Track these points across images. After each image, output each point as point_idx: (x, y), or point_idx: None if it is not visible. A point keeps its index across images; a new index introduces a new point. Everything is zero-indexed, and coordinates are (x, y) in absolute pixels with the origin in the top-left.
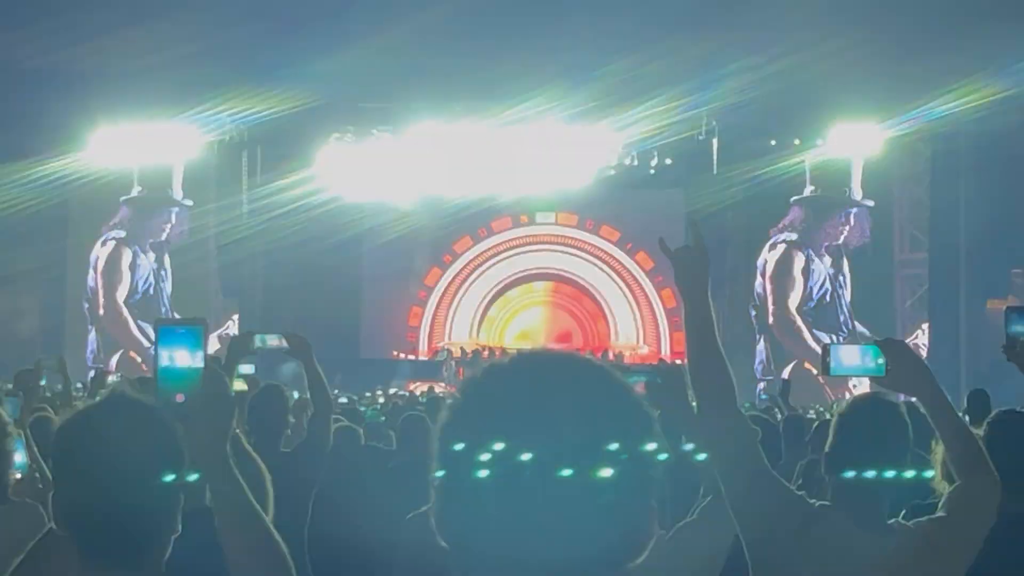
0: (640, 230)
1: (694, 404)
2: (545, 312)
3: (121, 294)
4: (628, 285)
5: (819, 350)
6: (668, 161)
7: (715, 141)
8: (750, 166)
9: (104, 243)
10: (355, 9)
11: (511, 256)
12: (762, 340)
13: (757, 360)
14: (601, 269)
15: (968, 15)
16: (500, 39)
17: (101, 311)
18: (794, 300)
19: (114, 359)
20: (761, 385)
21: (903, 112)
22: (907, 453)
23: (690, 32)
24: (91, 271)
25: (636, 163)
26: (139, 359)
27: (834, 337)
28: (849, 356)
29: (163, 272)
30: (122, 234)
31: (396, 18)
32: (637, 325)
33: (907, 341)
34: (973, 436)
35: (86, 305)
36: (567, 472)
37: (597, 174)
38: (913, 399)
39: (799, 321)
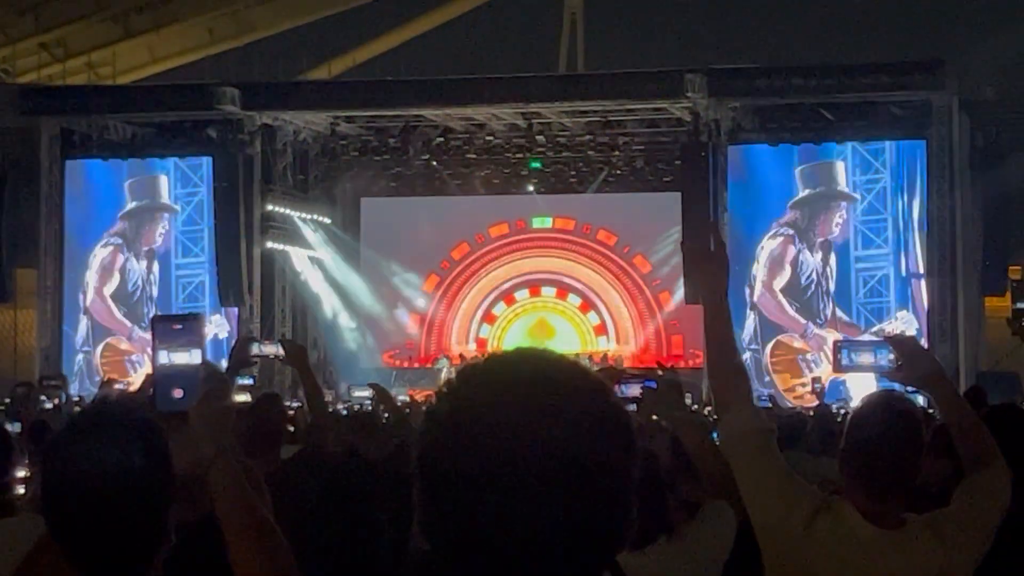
0: (638, 233)
1: (699, 407)
2: (544, 317)
3: (109, 289)
4: (626, 288)
5: (800, 323)
6: (665, 165)
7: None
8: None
9: (104, 245)
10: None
11: (509, 261)
12: (752, 315)
13: (746, 332)
14: (599, 273)
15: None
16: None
17: (90, 302)
18: (779, 283)
19: (100, 346)
20: (747, 355)
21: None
22: (920, 451)
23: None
24: (88, 268)
25: (634, 166)
26: (123, 345)
27: (813, 323)
28: (860, 353)
29: (152, 277)
30: (119, 241)
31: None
32: (635, 328)
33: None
34: (984, 428)
35: (80, 296)
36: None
37: (594, 177)
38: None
39: (784, 302)
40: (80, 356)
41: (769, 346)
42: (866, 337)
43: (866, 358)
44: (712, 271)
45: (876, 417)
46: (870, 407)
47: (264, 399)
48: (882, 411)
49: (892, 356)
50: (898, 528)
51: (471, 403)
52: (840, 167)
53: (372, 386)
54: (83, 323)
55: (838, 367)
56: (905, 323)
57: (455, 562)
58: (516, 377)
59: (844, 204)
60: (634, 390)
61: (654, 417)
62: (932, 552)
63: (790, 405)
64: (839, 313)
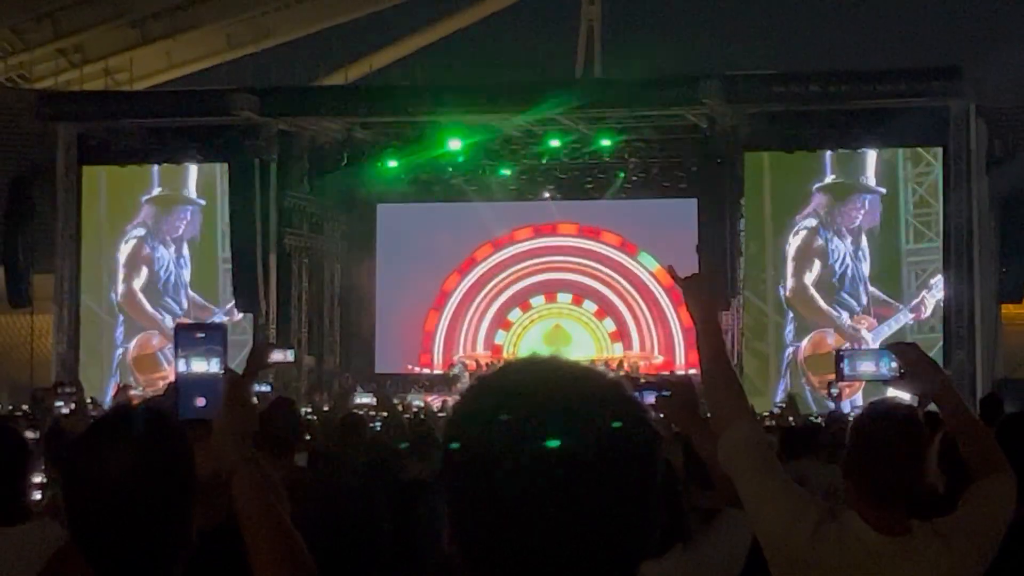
0: (653, 240)
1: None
2: (560, 323)
3: (138, 284)
4: (642, 294)
5: (832, 318)
6: (681, 171)
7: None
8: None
9: (127, 241)
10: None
11: (525, 267)
12: (789, 314)
13: (785, 330)
14: (615, 279)
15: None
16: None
17: (124, 299)
18: (811, 278)
19: (133, 341)
20: (789, 350)
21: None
22: (923, 457)
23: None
24: (118, 267)
25: (650, 172)
26: (155, 340)
27: (849, 313)
28: (862, 361)
29: (182, 261)
30: (142, 232)
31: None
32: (651, 335)
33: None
34: (989, 434)
35: (113, 296)
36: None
37: (611, 184)
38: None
39: (817, 297)
40: (119, 352)
41: (803, 344)
42: (869, 345)
43: (868, 367)
44: (701, 295)
45: (878, 424)
46: (872, 414)
47: (279, 403)
48: (884, 418)
49: (895, 364)
50: (904, 535)
51: (490, 412)
52: (872, 157)
53: (376, 393)
54: (119, 319)
55: (840, 376)
56: (935, 294)
57: (483, 570)
58: (536, 384)
59: (867, 196)
60: (650, 398)
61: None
62: (939, 559)
63: (829, 406)
64: (878, 295)
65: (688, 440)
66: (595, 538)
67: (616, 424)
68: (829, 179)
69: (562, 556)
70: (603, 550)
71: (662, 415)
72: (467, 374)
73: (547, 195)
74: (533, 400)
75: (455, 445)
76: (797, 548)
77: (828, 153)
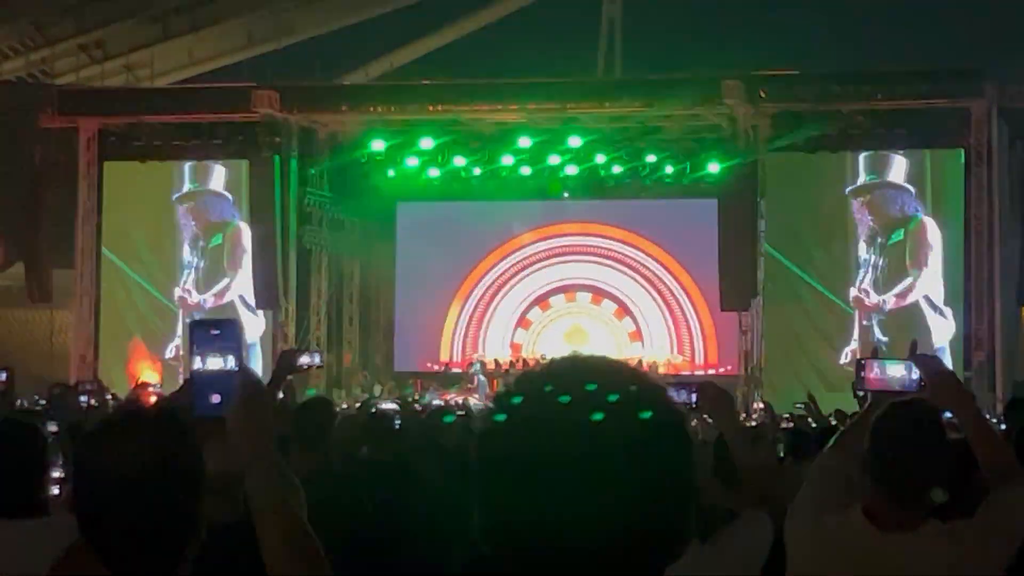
0: (673, 239)
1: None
2: (578, 323)
3: (179, 280)
4: (661, 295)
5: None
6: (703, 172)
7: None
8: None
9: (180, 245)
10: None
11: (545, 267)
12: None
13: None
14: (634, 279)
15: None
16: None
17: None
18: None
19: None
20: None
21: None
22: (945, 459)
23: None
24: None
25: (670, 171)
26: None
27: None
28: (883, 371)
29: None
30: (185, 234)
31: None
32: (669, 335)
33: None
34: (1006, 444)
35: (177, 293)
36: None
37: (630, 182)
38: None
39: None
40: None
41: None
42: (890, 356)
43: (889, 375)
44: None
45: (897, 423)
46: (892, 412)
47: (316, 402)
48: (903, 417)
49: (915, 375)
50: (908, 532)
51: (530, 407)
52: (900, 160)
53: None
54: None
55: (860, 385)
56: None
57: (514, 564)
58: (575, 380)
59: (899, 193)
60: (675, 394)
61: (708, 420)
62: (942, 558)
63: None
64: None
65: (720, 442)
66: (629, 530)
67: (652, 416)
68: (862, 180)
69: (596, 547)
70: (637, 543)
71: (706, 416)
72: (486, 372)
73: (567, 194)
74: (577, 381)
75: (500, 417)
76: (801, 539)
77: (861, 157)
